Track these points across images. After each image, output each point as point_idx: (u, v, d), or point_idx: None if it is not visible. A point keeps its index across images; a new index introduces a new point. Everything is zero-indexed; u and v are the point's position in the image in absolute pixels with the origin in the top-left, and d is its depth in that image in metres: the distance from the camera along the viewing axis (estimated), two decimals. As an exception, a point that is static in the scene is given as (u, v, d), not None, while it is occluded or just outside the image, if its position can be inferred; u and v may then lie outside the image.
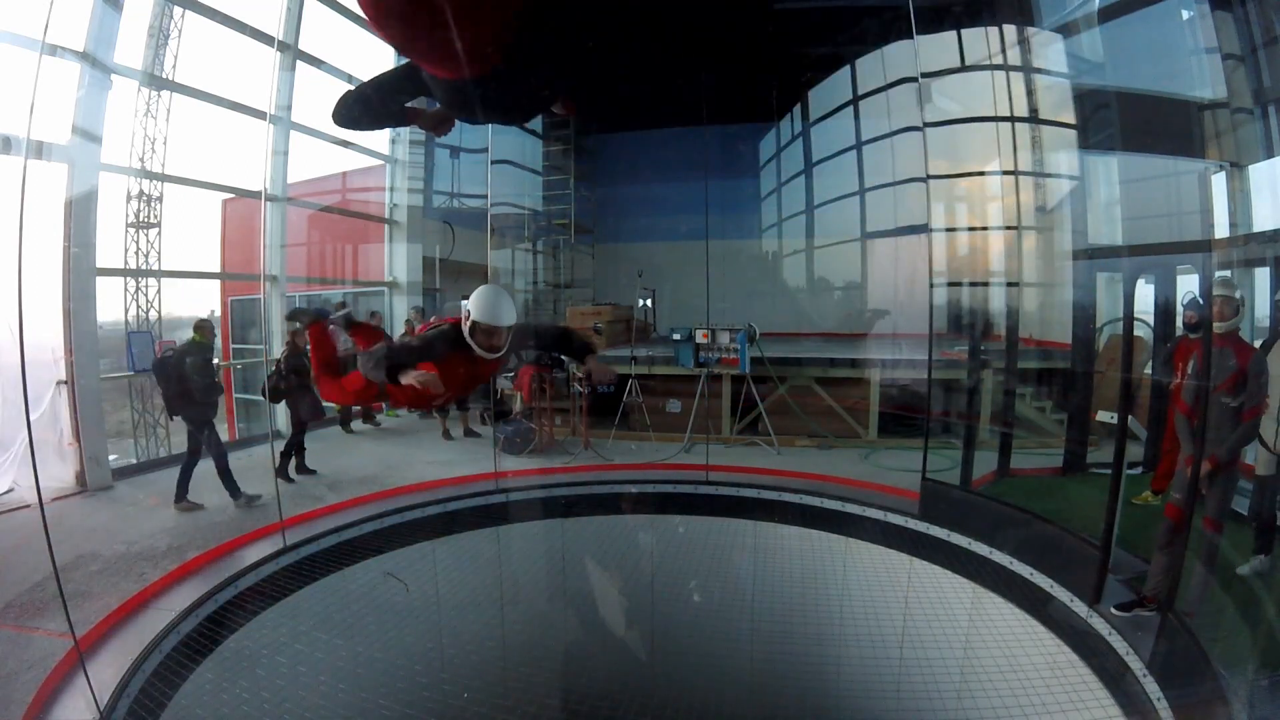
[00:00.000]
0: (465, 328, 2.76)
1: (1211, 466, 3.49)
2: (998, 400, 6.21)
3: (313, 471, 6.45)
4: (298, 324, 2.75)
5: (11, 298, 3.26)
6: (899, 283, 10.53)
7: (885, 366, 7.84)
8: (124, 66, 6.14)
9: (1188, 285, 4.56)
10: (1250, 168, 4.45)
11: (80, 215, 5.77)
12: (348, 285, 10.34)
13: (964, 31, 8.18)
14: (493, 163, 10.41)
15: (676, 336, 8.07)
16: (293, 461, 6.40)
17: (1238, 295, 3.66)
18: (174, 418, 5.73)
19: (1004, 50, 7.38)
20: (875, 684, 4.88)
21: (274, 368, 6.24)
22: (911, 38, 6.20)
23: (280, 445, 6.37)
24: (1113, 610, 3.85)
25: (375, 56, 9.58)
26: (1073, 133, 6.21)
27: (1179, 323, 4.56)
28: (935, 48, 8.24)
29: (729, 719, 5.27)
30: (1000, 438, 5.85)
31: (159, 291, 7.55)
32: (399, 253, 10.06)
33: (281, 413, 6.92)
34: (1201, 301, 3.83)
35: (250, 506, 5.58)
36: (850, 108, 11.21)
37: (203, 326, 5.86)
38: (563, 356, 2.87)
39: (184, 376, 5.48)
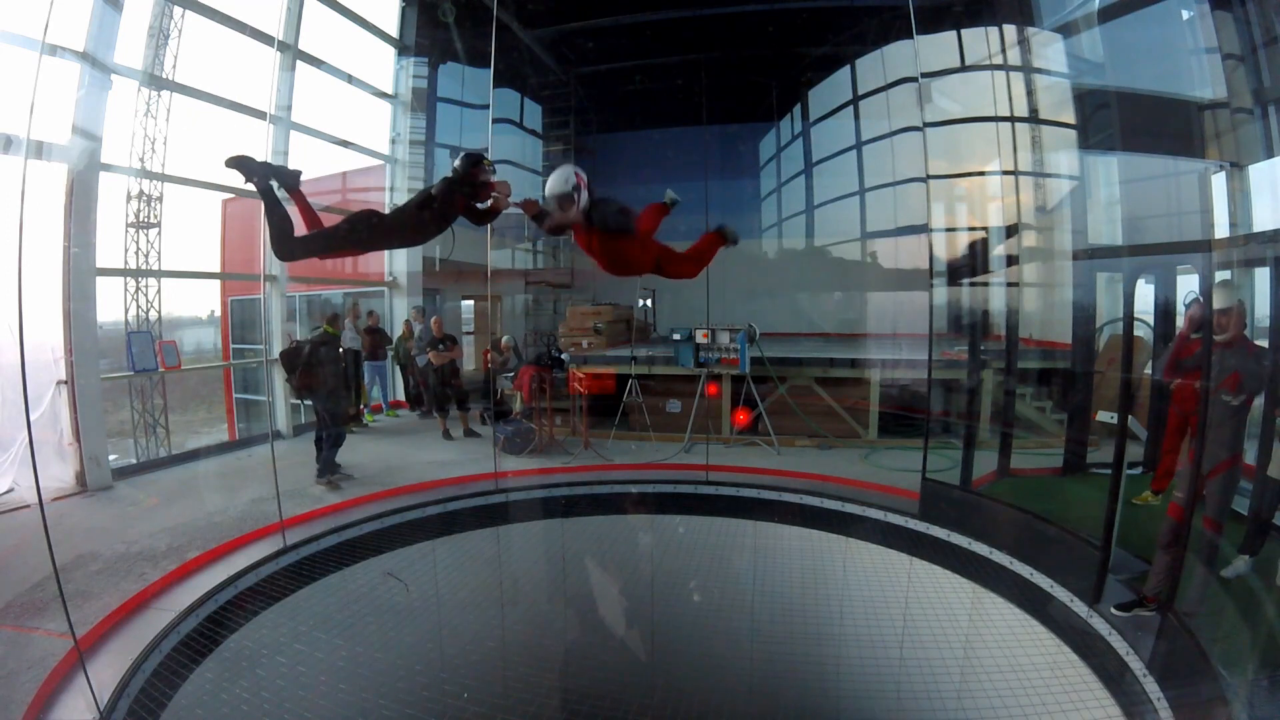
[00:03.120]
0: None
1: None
2: (998, 400, 6.21)
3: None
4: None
5: (11, 298, 3.25)
6: (899, 283, 10.54)
7: (885, 366, 7.84)
8: (124, 66, 6.14)
9: (1188, 285, 4.56)
10: (1250, 168, 4.43)
11: (80, 215, 5.76)
12: (347, 285, 10.33)
13: (964, 31, 8.20)
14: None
15: (676, 336, 8.07)
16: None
17: (1240, 301, 3.66)
18: (302, 399, 6.25)
19: (1004, 50, 7.38)
20: (875, 684, 4.87)
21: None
22: (911, 38, 6.21)
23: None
24: (1113, 610, 3.85)
25: (375, 57, 9.61)
26: (1073, 133, 6.21)
27: (1179, 323, 4.56)
28: (935, 48, 8.26)
29: (729, 719, 5.26)
30: (1000, 438, 5.84)
31: (159, 291, 7.56)
32: (398, 252, 10.05)
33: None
34: (1202, 301, 3.83)
35: (333, 486, 5.99)
36: (850, 108, 11.22)
37: (334, 319, 6.31)
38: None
39: (317, 363, 5.82)
